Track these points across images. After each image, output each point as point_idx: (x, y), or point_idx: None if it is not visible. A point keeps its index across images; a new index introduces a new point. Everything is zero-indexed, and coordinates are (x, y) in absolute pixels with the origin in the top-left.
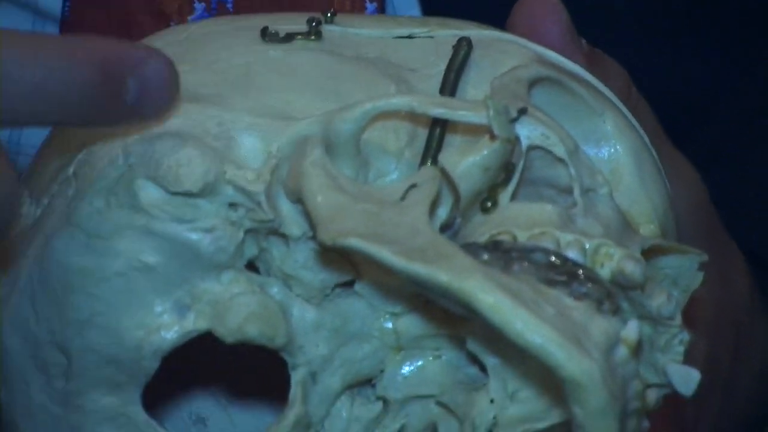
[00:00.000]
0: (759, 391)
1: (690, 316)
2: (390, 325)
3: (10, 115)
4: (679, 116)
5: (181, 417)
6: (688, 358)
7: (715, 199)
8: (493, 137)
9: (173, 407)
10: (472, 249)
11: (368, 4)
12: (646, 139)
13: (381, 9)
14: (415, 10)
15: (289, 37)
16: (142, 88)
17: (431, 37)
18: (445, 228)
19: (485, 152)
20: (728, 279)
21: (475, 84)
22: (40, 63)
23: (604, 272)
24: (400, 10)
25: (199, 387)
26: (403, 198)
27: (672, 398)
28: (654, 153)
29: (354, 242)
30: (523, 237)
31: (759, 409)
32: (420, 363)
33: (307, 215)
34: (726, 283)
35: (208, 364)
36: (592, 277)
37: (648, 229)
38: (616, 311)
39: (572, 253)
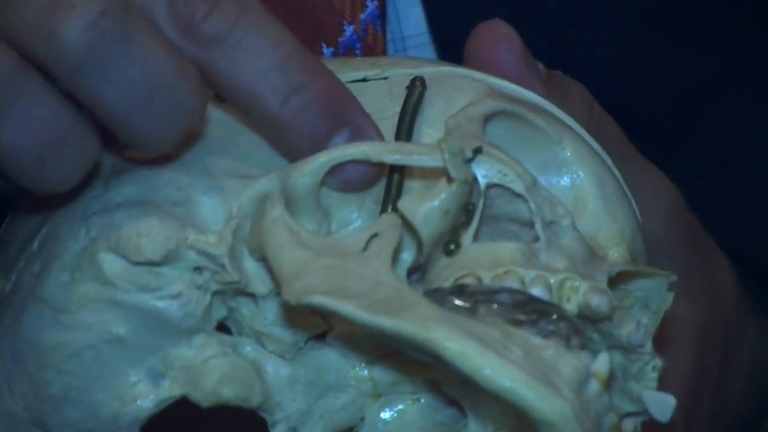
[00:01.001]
0: (751, 392)
1: (676, 323)
2: (365, 373)
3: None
4: (673, 114)
5: None
6: (676, 368)
7: (705, 199)
8: (450, 180)
9: None
10: (438, 295)
11: (369, 3)
12: (609, 162)
13: (382, 7)
14: (417, 9)
15: None
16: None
17: (385, 77)
18: (412, 272)
19: (443, 196)
20: (713, 284)
21: (431, 123)
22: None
23: (571, 306)
24: (402, 8)
25: None
26: (365, 248)
27: None
28: (617, 174)
29: (318, 299)
30: (487, 278)
31: (752, 410)
32: (399, 407)
33: (272, 273)
34: (710, 288)
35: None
36: (558, 313)
37: (616, 252)
38: (584, 346)
39: (537, 290)
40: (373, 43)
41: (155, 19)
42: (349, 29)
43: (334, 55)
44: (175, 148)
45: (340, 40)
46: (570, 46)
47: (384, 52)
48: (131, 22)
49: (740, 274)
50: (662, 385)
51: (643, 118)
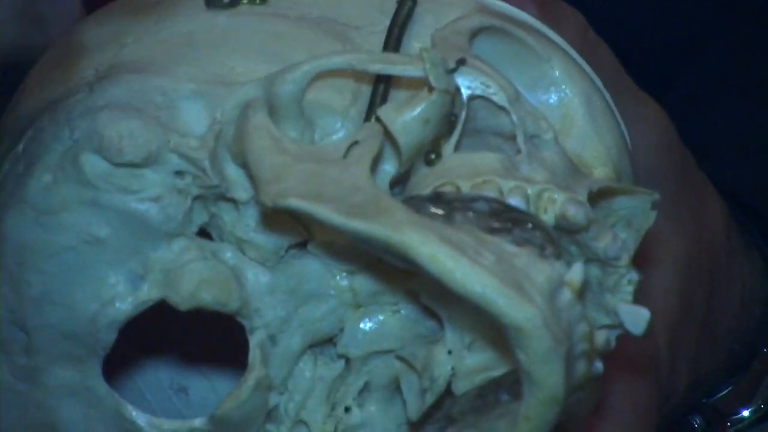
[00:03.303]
0: (740, 326)
1: (663, 254)
2: (346, 282)
3: None
4: (668, 53)
5: (163, 387)
6: (662, 298)
7: (700, 138)
8: (431, 89)
9: (154, 377)
10: (415, 202)
11: None
12: (598, 83)
13: None
14: None
15: (234, 2)
16: None
17: None
18: (394, 184)
19: (423, 105)
20: (702, 216)
21: (420, 38)
22: None
23: (548, 217)
24: None
25: (180, 356)
26: (345, 155)
27: (646, 341)
28: (607, 96)
29: (293, 202)
30: (466, 187)
31: (742, 345)
32: (379, 318)
33: (251, 178)
34: (699, 221)
35: (189, 333)
36: (534, 223)
37: (602, 172)
38: (559, 256)
39: (514, 200)
40: None
41: None
42: None
43: None
44: None
45: None
46: None
47: None
48: None
49: (733, 212)
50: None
51: (639, 56)
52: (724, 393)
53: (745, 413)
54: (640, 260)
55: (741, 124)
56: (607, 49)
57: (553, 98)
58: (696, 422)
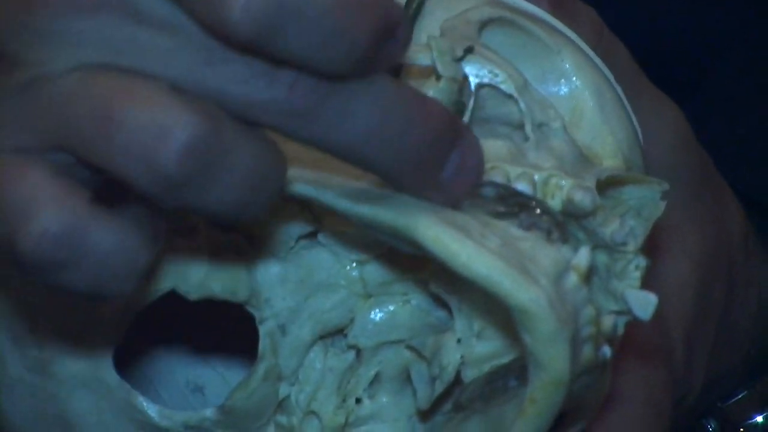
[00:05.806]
0: (756, 332)
1: (680, 250)
2: (356, 273)
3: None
4: (690, 60)
5: (178, 386)
6: (678, 293)
7: (718, 142)
8: (438, 77)
9: (170, 377)
10: None
11: None
12: (609, 76)
13: None
14: None
15: None
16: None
17: None
18: None
19: (430, 93)
20: (719, 217)
21: (430, 31)
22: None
23: (555, 203)
24: None
25: (195, 356)
26: None
27: (661, 334)
28: (618, 90)
29: (299, 188)
30: None
31: (758, 351)
32: (389, 308)
33: None
34: (717, 221)
35: (203, 332)
36: (541, 208)
37: (612, 164)
38: (566, 240)
39: (522, 186)
40: None
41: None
42: None
43: None
44: None
45: None
46: None
47: None
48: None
49: (751, 216)
50: (665, 312)
51: (659, 64)
52: (738, 398)
53: (759, 419)
54: (656, 255)
55: (759, 129)
56: (623, 48)
57: (564, 90)
58: (710, 426)
